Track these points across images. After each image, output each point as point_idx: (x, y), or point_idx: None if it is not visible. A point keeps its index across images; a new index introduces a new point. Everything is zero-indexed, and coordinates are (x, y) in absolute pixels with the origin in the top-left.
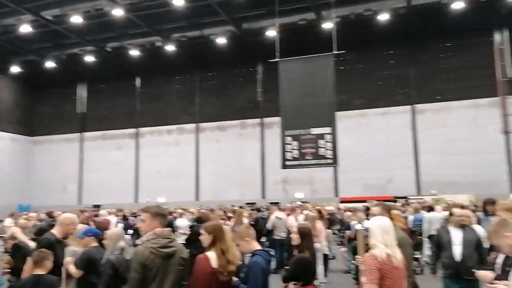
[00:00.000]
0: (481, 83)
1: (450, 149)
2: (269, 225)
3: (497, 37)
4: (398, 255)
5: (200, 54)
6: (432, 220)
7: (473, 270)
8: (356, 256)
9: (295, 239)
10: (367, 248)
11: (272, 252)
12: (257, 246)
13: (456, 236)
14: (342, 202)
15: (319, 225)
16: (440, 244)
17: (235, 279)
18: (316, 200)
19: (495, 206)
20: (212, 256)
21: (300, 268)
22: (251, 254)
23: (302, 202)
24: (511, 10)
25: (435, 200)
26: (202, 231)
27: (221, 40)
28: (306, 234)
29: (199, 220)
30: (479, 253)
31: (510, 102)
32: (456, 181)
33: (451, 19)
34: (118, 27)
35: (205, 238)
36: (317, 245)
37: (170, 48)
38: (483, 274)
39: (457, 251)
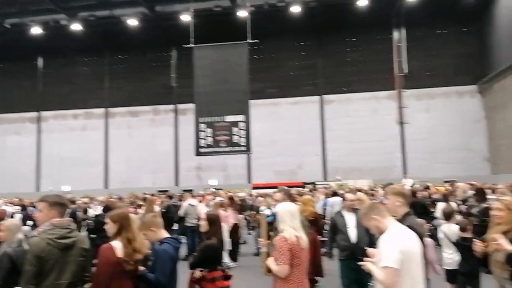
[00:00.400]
0: (381, 77)
1: (352, 138)
2: (181, 212)
3: (396, 34)
4: (304, 238)
5: (110, 36)
6: (334, 204)
7: (365, 249)
8: (259, 239)
9: (204, 226)
10: (269, 231)
11: (184, 240)
12: (165, 234)
13: (350, 220)
14: (255, 188)
15: (224, 212)
16: (336, 228)
17: (142, 268)
18: (230, 186)
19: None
20: (117, 245)
21: (206, 255)
22: (159, 243)
23: (216, 188)
24: (409, 10)
25: (339, 185)
26: (107, 220)
27: (133, 22)
28: (214, 221)
29: (106, 208)
30: (369, 234)
31: (405, 95)
32: (358, 167)
33: (357, 15)
34: (19, 2)
35: (110, 227)
36: None
37: (76, 27)
38: (371, 252)
39: (352, 233)
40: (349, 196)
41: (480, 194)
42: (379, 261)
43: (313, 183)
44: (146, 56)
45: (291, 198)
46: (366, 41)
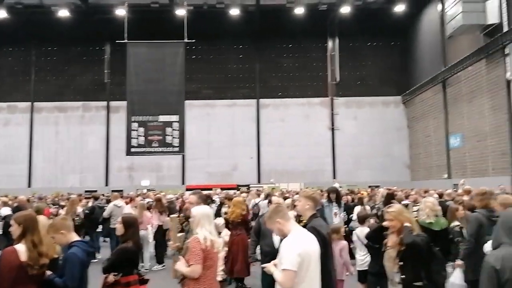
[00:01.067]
0: (314, 84)
1: (286, 142)
2: (106, 214)
3: (330, 43)
4: (218, 242)
5: (39, 26)
6: (264, 206)
7: None
8: (169, 243)
9: (119, 229)
10: (180, 233)
11: (104, 242)
12: (75, 237)
13: None
14: (189, 189)
15: (148, 213)
16: (261, 232)
17: (48, 272)
18: (163, 187)
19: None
20: (21, 248)
21: (120, 259)
22: (68, 246)
23: (148, 189)
24: (343, 21)
25: (272, 188)
26: (12, 221)
27: (64, 13)
28: (130, 224)
29: (16, 209)
30: None
31: (336, 102)
32: (290, 170)
33: (294, 22)
34: None
35: (14, 229)
36: (141, 233)
37: (2, 14)
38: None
39: (276, 239)
40: (275, 199)
41: (388, 199)
42: (279, 264)
43: (247, 185)
44: (77, 50)
45: (205, 202)
46: (302, 49)
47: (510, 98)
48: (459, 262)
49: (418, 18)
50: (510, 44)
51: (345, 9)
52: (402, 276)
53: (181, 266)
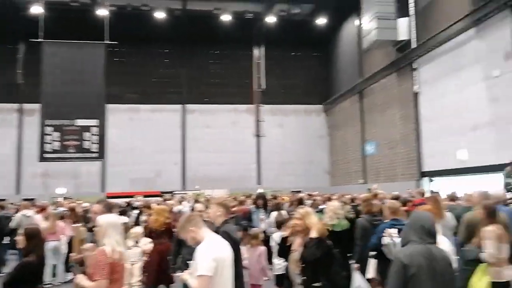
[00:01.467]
0: (241, 91)
1: (212, 148)
2: (13, 224)
3: (256, 52)
4: (125, 253)
5: None
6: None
7: None
8: (71, 254)
9: (21, 241)
10: (82, 244)
11: (13, 255)
12: None
13: None
14: (109, 197)
15: (61, 223)
16: (183, 240)
17: None
18: (81, 195)
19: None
20: None
21: (22, 273)
22: None
23: (65, 197)
24: (269, 30)
25: (197, 194)
26: None
27: None
28: (33, 236)
29: None
30: None
31: (262, 110)
32: (216, 176)
33: (221, 29)
34: None
35: None
36: (54, 244)
37: None
38: None
39: None
40: (198, 206)
41: (298, 203)
42: (195, 271)
43: (171, 192)
44: None
45: (111, 211)
46: (228, 56)
47: (417, 109)
48: (355, 265)
49: (338, 31)
50: (417, 59)
51: (271, 19)
52: (303, 278)
53: (83, 279)
